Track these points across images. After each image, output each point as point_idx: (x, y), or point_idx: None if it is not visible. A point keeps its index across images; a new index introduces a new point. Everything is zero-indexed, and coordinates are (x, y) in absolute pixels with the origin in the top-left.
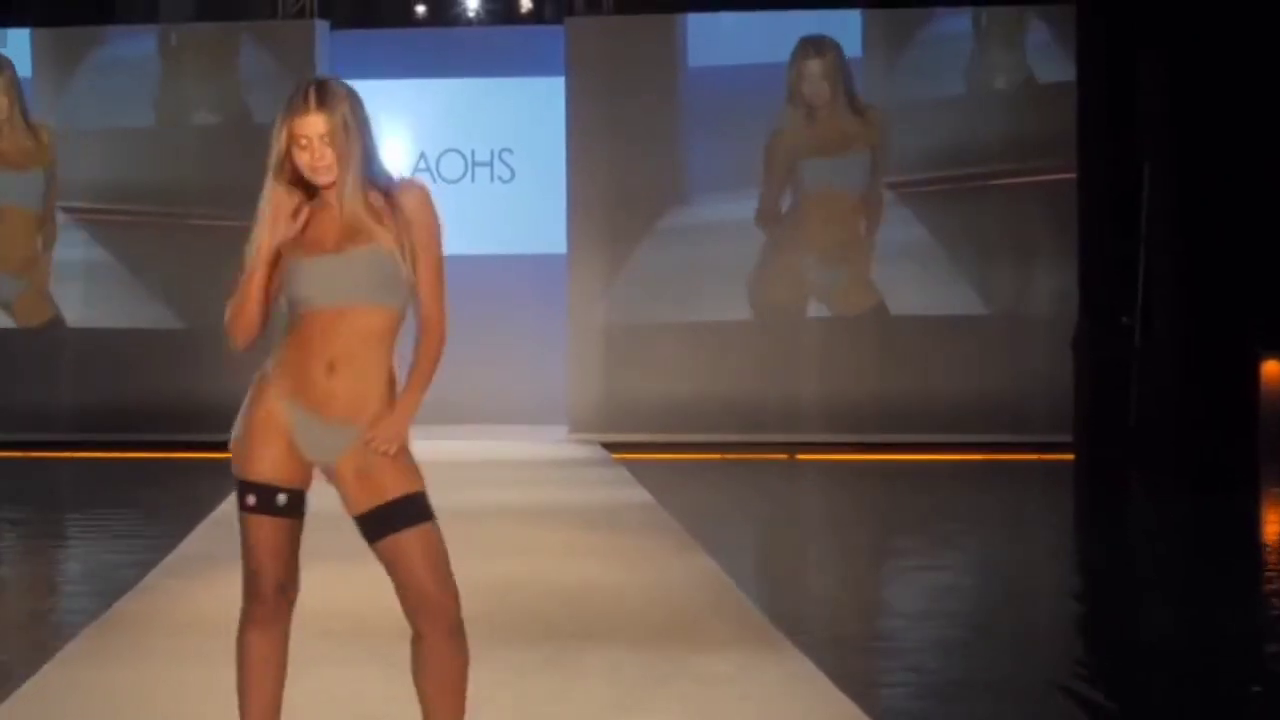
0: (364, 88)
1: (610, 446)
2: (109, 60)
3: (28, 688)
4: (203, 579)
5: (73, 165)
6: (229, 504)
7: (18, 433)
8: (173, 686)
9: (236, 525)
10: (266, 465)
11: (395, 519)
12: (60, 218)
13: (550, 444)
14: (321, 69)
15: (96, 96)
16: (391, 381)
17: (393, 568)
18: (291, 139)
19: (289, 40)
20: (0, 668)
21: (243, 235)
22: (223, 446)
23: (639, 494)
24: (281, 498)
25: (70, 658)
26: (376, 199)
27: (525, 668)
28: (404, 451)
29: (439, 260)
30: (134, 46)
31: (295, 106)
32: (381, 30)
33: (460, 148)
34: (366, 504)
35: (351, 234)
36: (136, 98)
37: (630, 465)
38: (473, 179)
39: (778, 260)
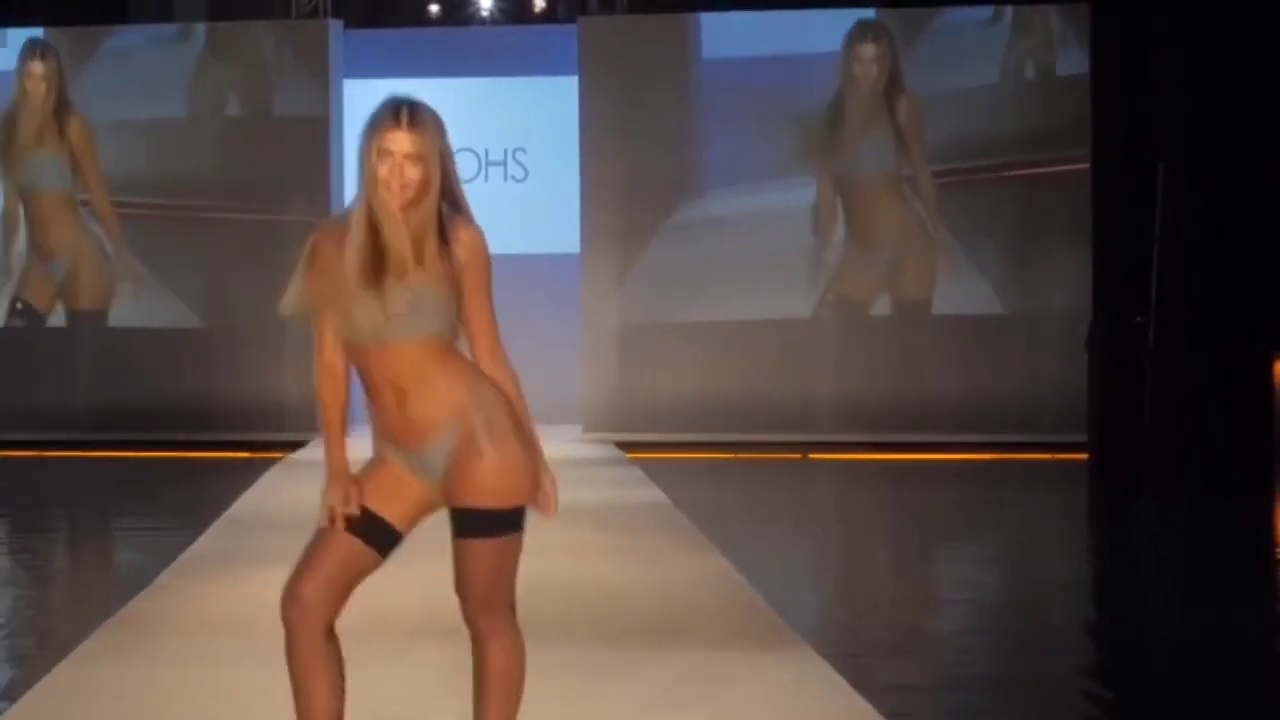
0: (376, 87)
1: (624, 446)
2: (122, 57)
3: (41, 686)
4: (216, 579)
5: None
6: (243, 503)
7: (32, 432)
8: (185, 687)
9: (252, 525)
10: (367, 490)
11: (470, 526)
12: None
13: (564, 443)
14: (335, 68)
15: (110, 92)
16: (469, 375)
17: (456, 564)
18: (378, 153)
19: (303, 39)
20: (13, 666)
21: (257, 229)
22: (239, 446)
23: (653, 493)
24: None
25: (83, 657)
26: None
27: (539, 668)
28: (512, 456)
29: (490, 302)
30: (148, 44)
31: (384, 123)
32: (394, 30)
33: (474, 147)
34: (455, 500)
35: (400, 265)
36: (150, 94)
37: (644, 464)
38: (486, 178)
39: (845, 253)
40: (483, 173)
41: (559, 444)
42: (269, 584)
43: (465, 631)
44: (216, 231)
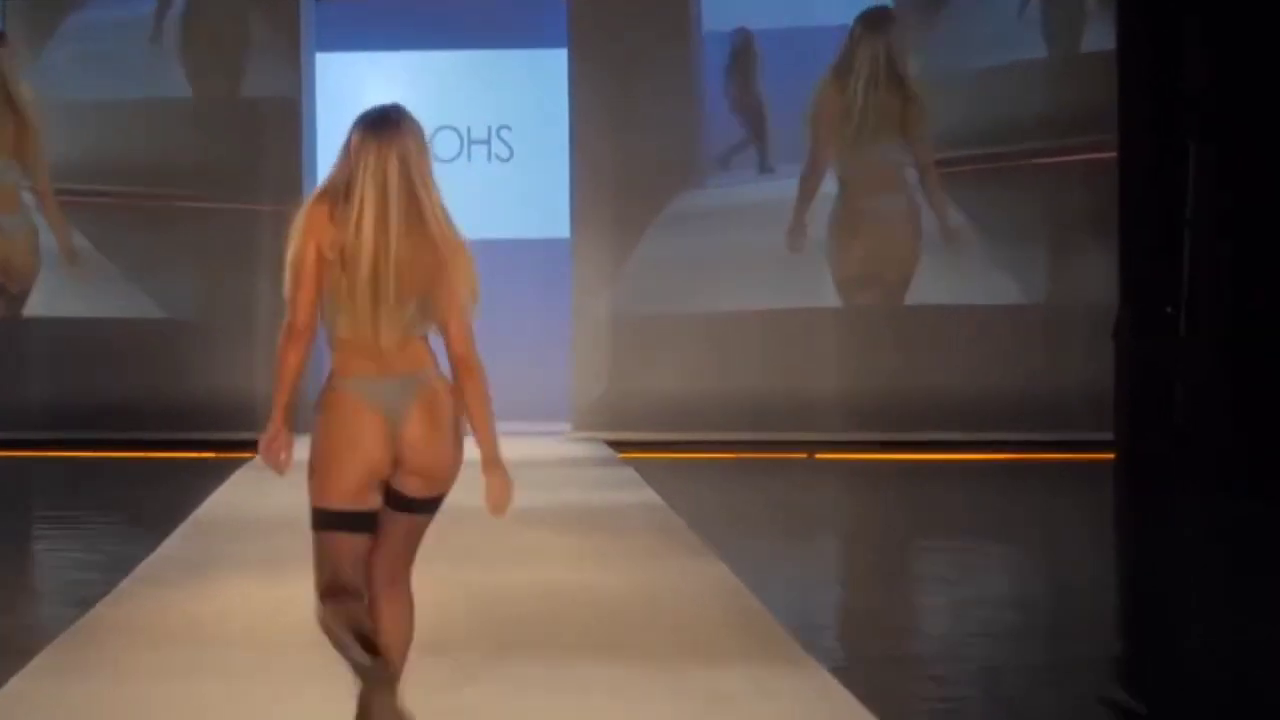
0: (352, 60)
1: (616, 445)
2: (86, 29)
3: None
4: (181, 587)
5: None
6: (211, 505)
7: None
8: (149, 703)
9: (219, 528)
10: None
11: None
12: (29, 199)
13: (552, 442)
14: (307, 41)
15: (69, 68)
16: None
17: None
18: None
19: (274, 11)
20: None
21: (225, 216)
22: (206, 445)
23: (647, 495)
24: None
25: (39, 671)
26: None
27: (523, 683)
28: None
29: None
30: (114, 16)
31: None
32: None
33: (455, 124)
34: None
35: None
36: (113, 69)
37: (637, 465)
38: (469, 158)
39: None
40: (465, 152)
41: (545, 443)
42: (238, 592)
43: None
44: (180, 220)
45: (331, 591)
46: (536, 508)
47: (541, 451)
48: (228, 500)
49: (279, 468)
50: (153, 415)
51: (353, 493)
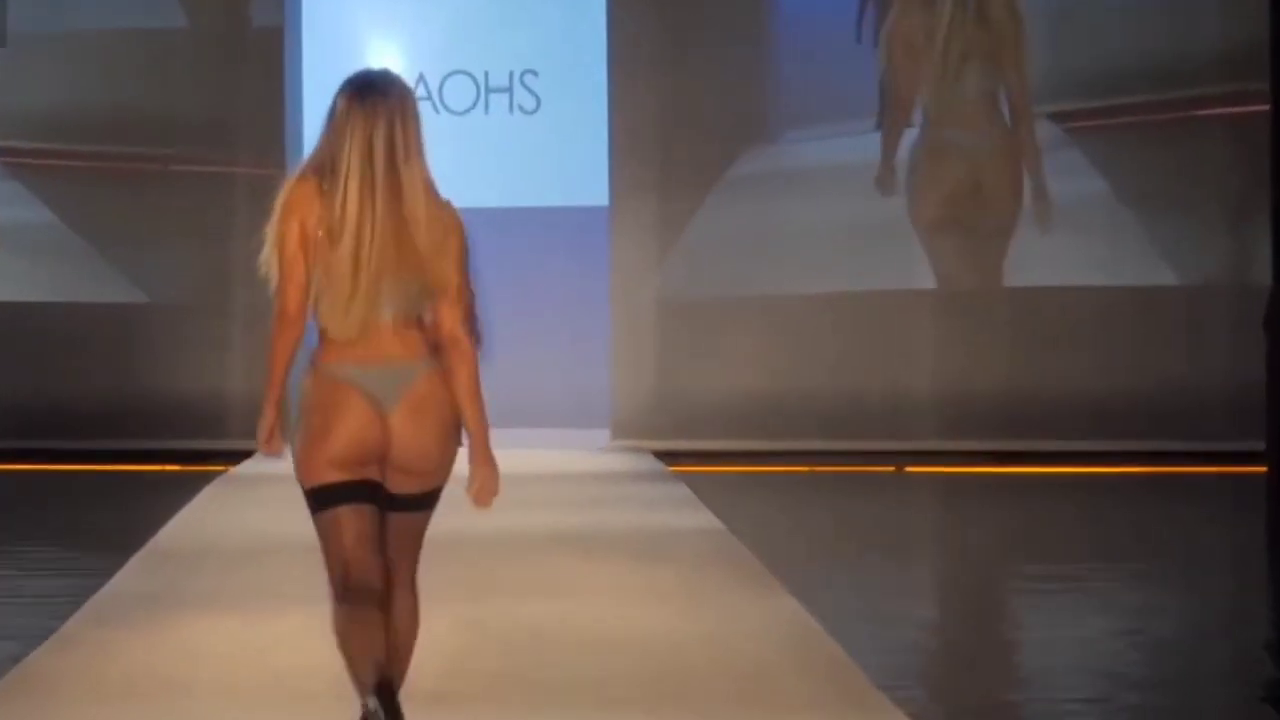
0: None
1: (665, 456)
2: None
3: None
4: (140, 629)
5: None
6: (173, 530)
7: None
8: None
9: (184, 558)
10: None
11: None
12: None
13: (589, 453)
14: None
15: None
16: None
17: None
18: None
19: None
20: None
21: (195, 181)
22: (169, 457)
23: (703, 518)
24: None
25: None
26: None
27: None
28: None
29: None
30: None
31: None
32: None
33: (470, 70)
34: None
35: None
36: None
37: (691, 480)
38: (486, 109)
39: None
40: (481, 102)
41: (579, 455)
42: (206, 635)
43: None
44: (138, 185)
45: (346, 589)
46: (571, 532)
47: (575, 465)
48: (194, 523)
49: (281, 456)
50: (104, 421)
51: (343, 463)
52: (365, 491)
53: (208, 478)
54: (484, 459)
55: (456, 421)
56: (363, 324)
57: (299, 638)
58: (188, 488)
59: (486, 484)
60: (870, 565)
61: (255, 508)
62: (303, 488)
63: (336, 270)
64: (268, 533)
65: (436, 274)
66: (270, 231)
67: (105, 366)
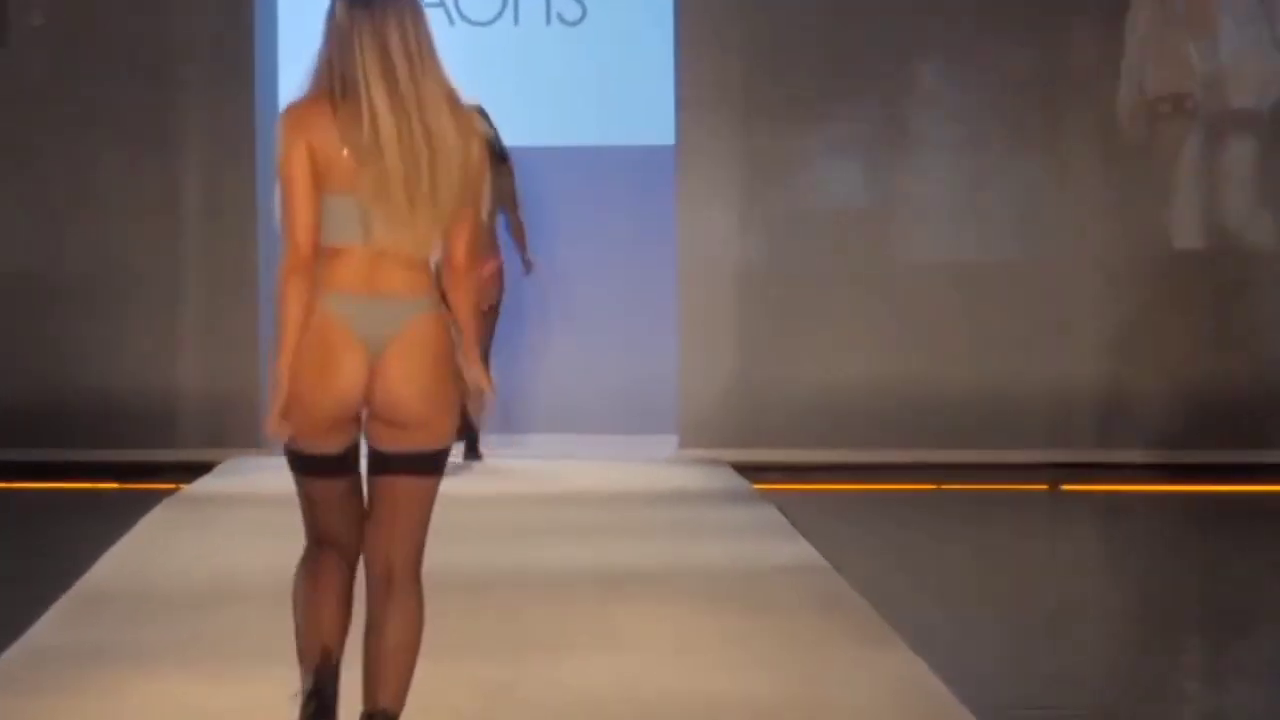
0: None
1: (746, 470)
2: None
3: None
4: (64, 691)
5: None
6: (109, 564)
7: None
8: None
9: (119, 601)
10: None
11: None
12: None
13: (652, 465)
14: None
15: None
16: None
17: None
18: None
19: None
20: None
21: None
22: (106, 471)
23: (797, 548)
24: None
25: None
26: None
27: None
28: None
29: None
30: None
31: None
32: None
33: None
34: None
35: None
36: None
37: (782, 500)
38: (515, 20)
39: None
40: (510, 10)
41: (641, 467)
42: (145, 698)
43: None
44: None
45: (317, 537)
46: (631, 567)
47: (633, 481)
48: (135, 558)
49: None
50: (24, 426)
51: (321, 433)
52: (339, 464)
53: (154, 498)
54: (474, 358)
55: (454, 376)
56: (420, 241)
57: (264, 707)
58: (127, 511)
59: (478, 384)
60: (1015, 608)
61: (214, 537)
62: (281, 440)
63: (385, 188)
64: (229, 571)
65: (465, 189)
66: (277, 162)
67: (24, 361)
